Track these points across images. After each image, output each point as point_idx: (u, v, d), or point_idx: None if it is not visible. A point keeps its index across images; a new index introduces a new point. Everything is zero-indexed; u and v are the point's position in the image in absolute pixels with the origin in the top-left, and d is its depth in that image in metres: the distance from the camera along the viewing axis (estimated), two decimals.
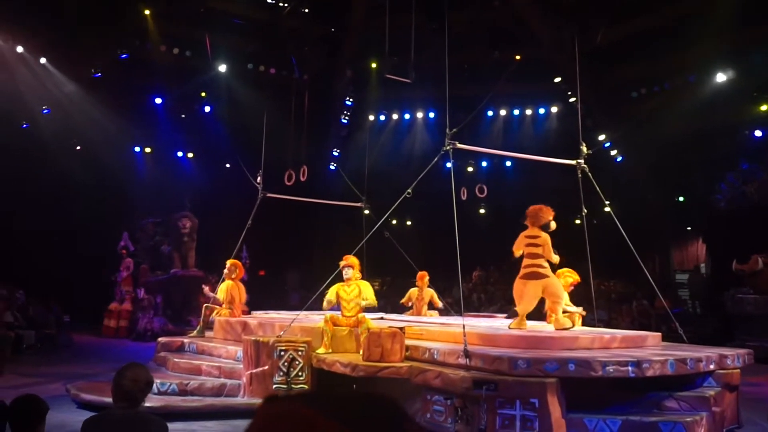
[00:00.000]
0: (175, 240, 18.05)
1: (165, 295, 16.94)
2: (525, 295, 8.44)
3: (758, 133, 16.57)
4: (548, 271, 8.46)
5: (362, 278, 8.99)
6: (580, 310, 9.46)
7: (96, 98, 16.68)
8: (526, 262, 8.53)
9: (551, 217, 8.61)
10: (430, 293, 11.68)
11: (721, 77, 15.86)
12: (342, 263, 8.73)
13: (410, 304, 11.88)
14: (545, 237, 8.49)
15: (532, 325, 8.83)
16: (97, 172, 17.39)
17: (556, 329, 8.28)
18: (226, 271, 11.25)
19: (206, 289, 12.31)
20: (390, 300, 16.42)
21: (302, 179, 13.99)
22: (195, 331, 11.16)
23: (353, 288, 8.63)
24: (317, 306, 9.75)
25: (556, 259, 8.57)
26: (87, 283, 17.17)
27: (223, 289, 11.11)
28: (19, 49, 15.57)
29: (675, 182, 19.04)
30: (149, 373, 3.45)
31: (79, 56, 16.43)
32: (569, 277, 9.44)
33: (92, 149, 17.68)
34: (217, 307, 11.11)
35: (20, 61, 15.69)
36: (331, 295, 8.62)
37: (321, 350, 8.18)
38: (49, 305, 15.59)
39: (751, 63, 15.69)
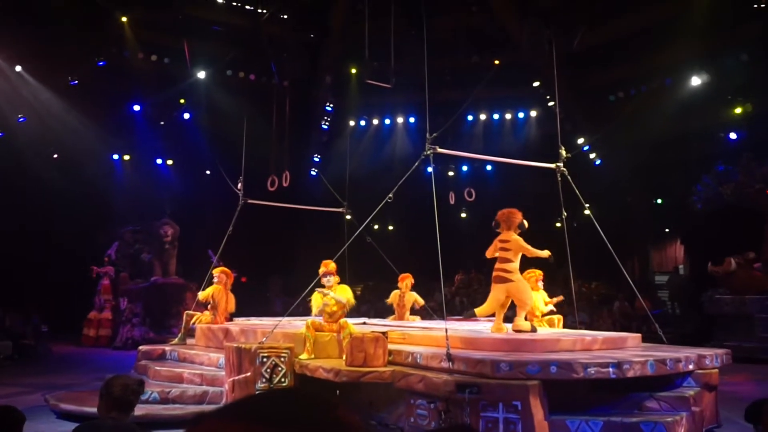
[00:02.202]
0: (157, 248, 17.87)
1: (145, 303, 16.75)
2: (489, 297, 8.62)
3: (733, 136, 16.82)
4: (514, 275, 8.53)
5: (343, 282, 8.87)
6: (552, 307, 9.76)
7: (73, 106, 16.50)
8: (495, 265, 8.67)
9: (521, 218, 8.74)
10: (413, 297, 11.68)
11: (696, 81, 16.14)
12: (321, 270, 8.64)
13: (394, 306, 11.86)
14: (516, 240, 8.59)
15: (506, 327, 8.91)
16: (75, 180, 17.18)
17: (513, 330, 8.45)
18: (216, 278, 11.10)
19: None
20: (373, 304, 16.42)
21: (285, 185, 13.93)
22: (176, 339, 11.03)
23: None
24: (300, 312, 9.69)
25: (544, 253, 8.64)
26: (66, 292, 16.94)
27: (207, 291, 10.90)
28: None
29: (653, 184, 19.28)
30: (135, 378, 3.44)
31: (56, 64, 16.23)
32: (531, 276, 9.65)
33: (70, 158, 17.46)
34: (198, 313, 10.98)
35: None
36: (317, 301, 8.52)
37: (304, 356, 8.14)
38: (27, 315, 15.37)
39: (725, 66, 15.96)
